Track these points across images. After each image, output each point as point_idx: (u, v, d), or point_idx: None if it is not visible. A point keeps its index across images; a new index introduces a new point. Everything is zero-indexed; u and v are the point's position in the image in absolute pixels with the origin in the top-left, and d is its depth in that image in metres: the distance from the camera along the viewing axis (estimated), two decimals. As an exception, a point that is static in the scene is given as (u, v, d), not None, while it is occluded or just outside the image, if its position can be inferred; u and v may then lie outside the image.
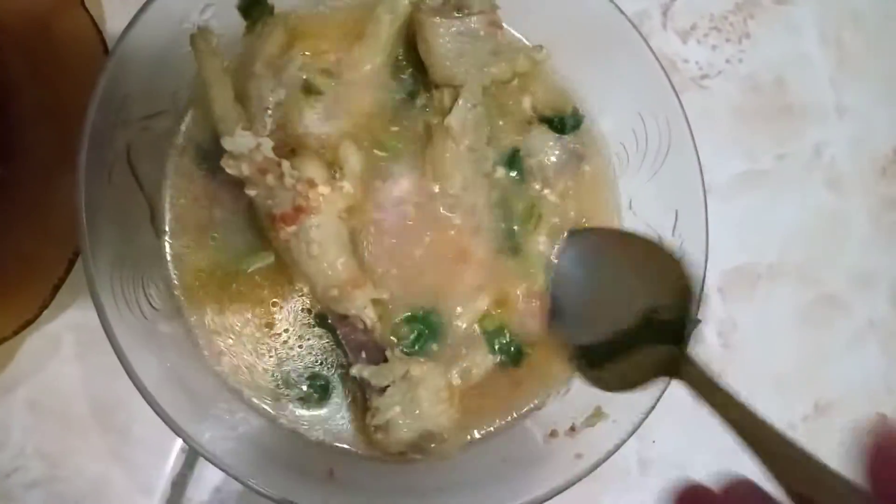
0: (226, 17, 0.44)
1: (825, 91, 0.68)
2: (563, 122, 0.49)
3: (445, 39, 0.43)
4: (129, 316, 0.38)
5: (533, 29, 0.50)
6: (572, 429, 0.44)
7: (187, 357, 0.41)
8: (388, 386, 0.41)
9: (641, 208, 0.49)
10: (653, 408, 0.43)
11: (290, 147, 0.44)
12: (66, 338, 0.48)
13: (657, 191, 0.49)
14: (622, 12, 0.48)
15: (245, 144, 0.40)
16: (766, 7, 0.67)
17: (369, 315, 0.42)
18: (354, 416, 0.44)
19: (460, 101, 0.44)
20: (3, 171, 0.45)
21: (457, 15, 0.44)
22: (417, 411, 0.41)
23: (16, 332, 0.41)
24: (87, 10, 0.45)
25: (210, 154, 0.44)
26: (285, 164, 0.40)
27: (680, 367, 0.36)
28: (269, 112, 0.44)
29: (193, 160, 0.44)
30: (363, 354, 0.43)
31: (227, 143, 0.40)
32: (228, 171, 0.40)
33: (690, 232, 0.46)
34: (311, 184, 0.41)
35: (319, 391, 0.44)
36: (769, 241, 0.63)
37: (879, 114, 0.68)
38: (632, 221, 0.50)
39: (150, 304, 0.40)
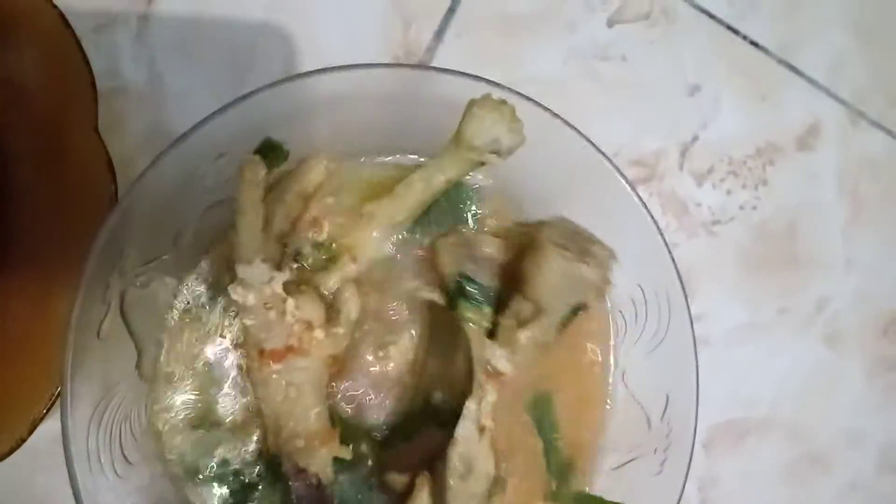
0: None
1: (835, 242, 0.67)
2: None
3: (557, 274, 0.43)
4: (102, 478, 0.37)
5: (533, 190, 0.50)
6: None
7: (158, 508, 0.41)
8: None
9: (633, 384, 0.49)
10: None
11: (295, 282, 0.44)
12: (41, 447, 0.48)
13: (651, 369, 0.48)
14: (629, 184, 0.47)
15: (260, 275, 0.40)
16: (787, 153, 0.66)
17: (328, 473, 0.42)
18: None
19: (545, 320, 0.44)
20: (-2, 283, 0.45)
21: (576, 259, 0.44)
22: None
23: (-11, 466, 0.41)
24: (98, 134, 0.45)
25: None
26: (290, 302, 0.40)
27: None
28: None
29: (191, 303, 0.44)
30: None
31: (241, 271, 0.40)
32: (234, 296, 0.40)
33: (678, 424, 0.45)
34: (309, 326, 0.41)
35: None
36: (761, 395, 0.63)
37: (888, 269, 0.68)
38: (623, 395, 0.49)
39: (125, 458, 0.40)
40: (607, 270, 0.45)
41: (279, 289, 0.39)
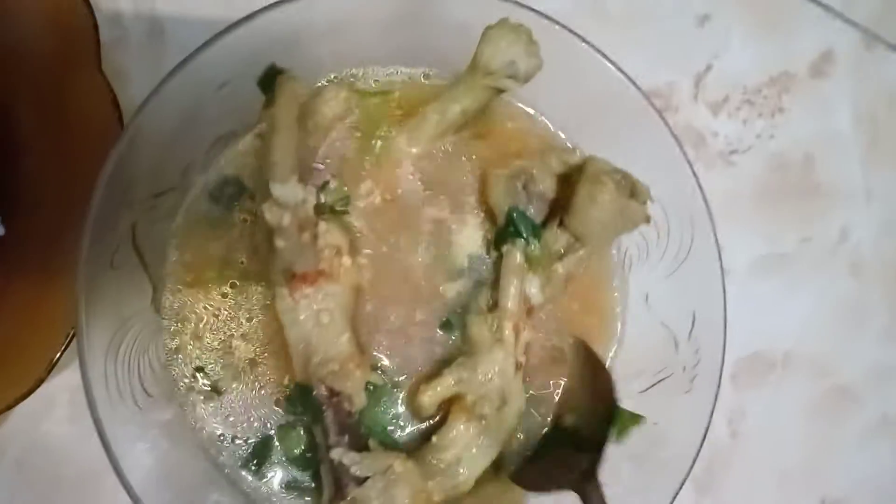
0: (243, 92, 0.42)
1: (854, 171, 0.66)
2: None
3: (609, 206, 0.43)
4: (122, 407, 0.37)
5: (562, 113, 0.49)
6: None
7: (179, 445, 0.40)
8: (367, 478, 0.40)
9: (658, 305, 0.48)
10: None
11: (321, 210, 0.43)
12: (61, 398, 0.48)
13: (676, 289, 0.47)
14: (652, 104, 0.46)
15: (294, 195, 0.39)
16: (801, 81, 0.65)
17: (361, 398, 0.41)
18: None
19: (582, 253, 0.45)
20: (8, 231, 0.44)
21: (626, 194, 0.44)
22: None
23: (9, 407, 0.40)
24: (103, 74, 0.44)
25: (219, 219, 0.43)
26: (322, 226, 0.40)
27: (586, 486, 0.39)
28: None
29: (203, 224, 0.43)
30: (345, 438, 0.41)
31: (276, 189, 0.39)
32: (267, 216, 0.39)
33: (707, 340, 0.44)
34: (339, 252, 0.41)
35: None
36: (786, 328, 0.62)
37: (910, 197, 0.66)
38: (647, 318, 0.48)
39: (145, 390, 0.39)
40: (648, 206, 0.44)
41: (311, 210, 0.38)
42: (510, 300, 0.43)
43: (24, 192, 0.46)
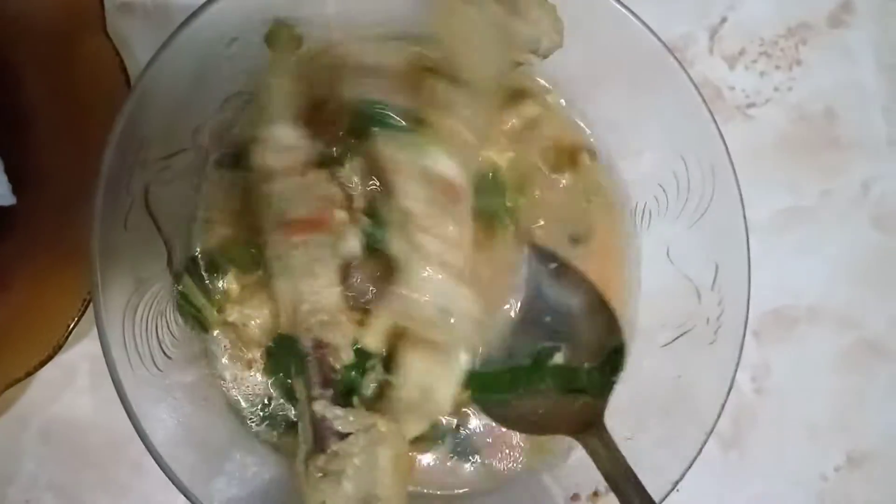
0: (252, 50, 0.41)
1: (877, 123, 0.64)
2: None
3: (473, 31, 0.39)
4: (142, 370, 0.37)
5: (572, 61, 0.48)
6: (595, 494, 0.42)
7: (201, 407, 0.40)
8: (349, 434, 0.38)
9: (679, 257, 0.47)
10: (681, 478, 0.41)
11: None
12: (82, 367, 0.48)
13: (697, 241, 0.46)
14: (672, 53, 0.45)
15: (288, 137, 0.39)
16: (819, 31, 0.63)
17: (349, 354, 0.40)
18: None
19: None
20: (19, 201, 0.44)
21: (503, 12, 0.40)
22: (372, 470, 0.38)
23: (28, 374, 0.40)
24: (109, 38, 0.43)
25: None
26: (316, 173, 0.39)
27: (589, 438, 0.38)
28: None
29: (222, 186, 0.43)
30: (330, 392, 0.39)
31: (269, 130, 0.38)
32: (257, 158, 0.39)
33: (731, 290, 0.43)
34: (332, 202, 0.39)
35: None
36: (810, 282, 0.60)
37: (934, 147, 0.65)
38: (669, 271, 0.47)
39: (164, 353, 0.39)
40: (551, 24, 0.40)
41: (303, 156, 0.38)
42: (410, 201, 0.38)
43: (34, 161, 0.45)
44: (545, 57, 0.43)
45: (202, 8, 0.38)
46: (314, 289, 0.39)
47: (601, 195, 0.48)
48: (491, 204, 0.45)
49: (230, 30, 0.40)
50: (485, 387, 0.43)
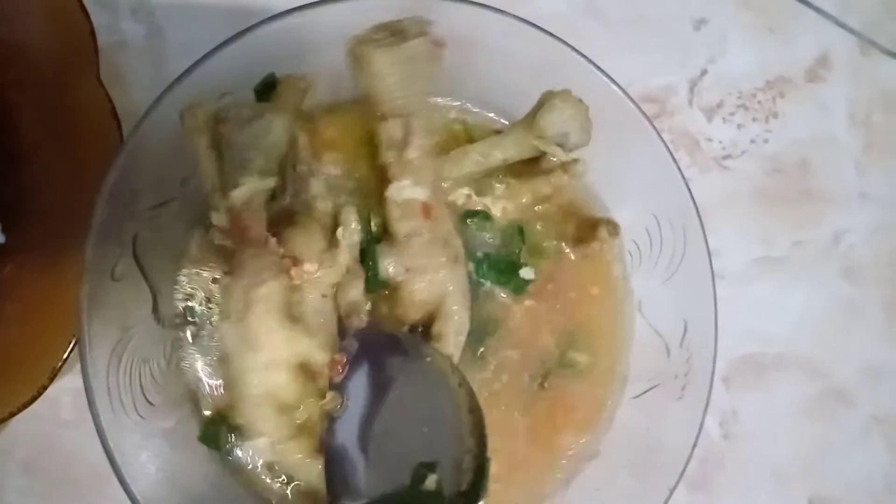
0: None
1: (849, 175, 0.66)
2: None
3: (392, 70, 0.41)
4: (125, 418, 0.38)
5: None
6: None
7: (182, 452, 0.41)
8: None
9: (651, 313, 0.49)
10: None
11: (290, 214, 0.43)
12: (65, 401, 0.48)
13: (668, 297, 0.48)
14: (644, 114, 0.46)
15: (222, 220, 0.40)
16: (797, 85, 0.65)
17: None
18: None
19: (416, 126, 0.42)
20: (10, 238, 0.45)
21: (396, 42, 0.42)
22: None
23: (13, 414, 0.41)
24: (101, 84, 0.44)
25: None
26: (271, 241, 0.39)
27: None
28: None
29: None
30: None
31: (215, 219, 0.40)
32: (217, 242, 0.41)
33: (698, 348, 0.45)
34: (296, 261, 0.39)
35: None
36: (779, 330, 0.62)
37: (904, 200, 0.67)
38: (641, 325, 0.49)
39: (146, 399, 0.40)
40: (581, 123, 0.45)
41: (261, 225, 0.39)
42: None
43: (26, 200, 0.46)
44: (570, 151, 0.46)
45: (194, 66, 0.39)
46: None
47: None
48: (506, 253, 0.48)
49: (223, 84, 0.41)
50: None
